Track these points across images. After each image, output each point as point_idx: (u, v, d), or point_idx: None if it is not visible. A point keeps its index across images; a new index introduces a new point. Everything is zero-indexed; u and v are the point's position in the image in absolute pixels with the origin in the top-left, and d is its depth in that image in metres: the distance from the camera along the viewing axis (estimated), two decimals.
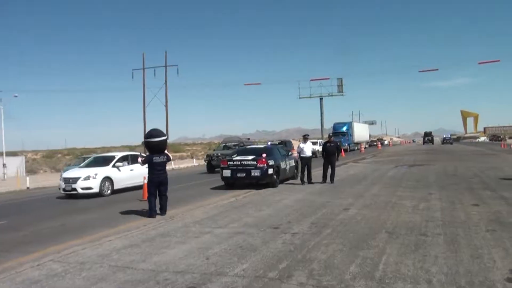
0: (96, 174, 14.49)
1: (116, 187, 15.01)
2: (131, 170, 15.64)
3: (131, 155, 16.80)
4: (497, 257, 5.11)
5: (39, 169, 39.41)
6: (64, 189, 14.51)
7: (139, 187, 15.27)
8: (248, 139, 30.75)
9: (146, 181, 12.64)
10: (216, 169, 23.17)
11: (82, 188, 14.18)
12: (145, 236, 7.20)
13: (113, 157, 15.86)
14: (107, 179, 14.76)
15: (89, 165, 15.85)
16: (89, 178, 14.31)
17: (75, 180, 14.32)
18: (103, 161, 15.69)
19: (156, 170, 9.51)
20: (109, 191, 14.71)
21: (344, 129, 51.72)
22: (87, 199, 13.83)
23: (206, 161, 24.96)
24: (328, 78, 60.51)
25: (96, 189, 14.28)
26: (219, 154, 23.49)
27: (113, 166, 15.19)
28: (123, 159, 15.79)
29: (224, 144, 26.87)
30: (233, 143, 26.09)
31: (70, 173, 15.08)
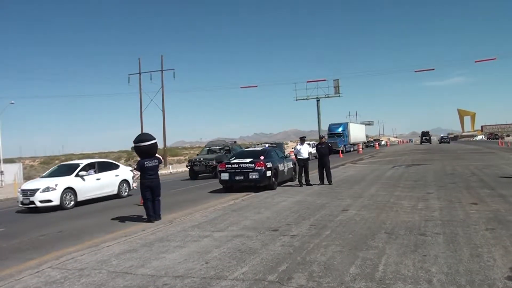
0: (56, 185, 13.08)
1: (80, 198, 13.70)
2: (98, 179, 14.52)
3: (98, 162, 15.54)
4: (497, 255, 5.11)
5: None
6: (22, 202, 13.15)
7: (108, 198, 14.79)
8: (235, 142, 28.42)
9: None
10: (200, 175, 22.09)
11: (41, 201, 12.82)
12: (143, 241, 7.16)
13: (77, 165, 14.40)
14: (69, 190, 13.38)
15: (52, 174, 14.45)
16: (48, 190, 12.92)
17: (33, 192, 12.96)
18: (67, 170, 14.24)
19: (148, 174, 9.39)
20: (71, 204, 13.34)
21: (340, 130, 50.97)
22: (87, 205, 13.76)
23: (188, 167, 23.10)
24: (325, 80, 60.60)
25: (56, 202, 12.91)
26: (201, 159, 22.16)
27: (77, 175, 13.84)
28: (88, 167, 14.52)
29: (208, 148, 24.89)
30: (218, 147, 24.29)
31: (29, 185, 13.85)
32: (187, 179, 22.37)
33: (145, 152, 9.50)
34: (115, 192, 15.21)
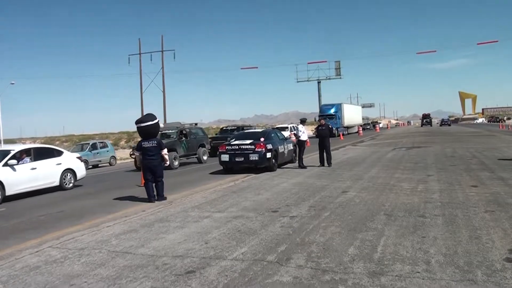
0: None
1: (9, 192, 11.25)
2: (33, 168, 12.07)
3: (35, 148, 13.02)
4: (495, 237, 5.12)
5: None
6: None
7: (47, 191, 12.67)
8: (196, 124, 24.06)
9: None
10: None
11: None
12: (143, 221, 7.19)
13: (8, 152, 11.91)
14: None
15: None
16: None
17: None
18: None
19: (147, 155, 9.44)
20: None
21: (332, 111, 46.69)
22: (88, 186, 13.81)
23: (132, 156, 20.28)
24: (326, 61, 60.48)
25: None
26: None
27: (5, 164, 11.42)
28: (23, 153, 12.23)
29: (161, 132, 19.49)
30: (173, 130, 20.79)
31: None
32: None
33: (143, 132, 9.54)
34: (57, 183, 12.87)
